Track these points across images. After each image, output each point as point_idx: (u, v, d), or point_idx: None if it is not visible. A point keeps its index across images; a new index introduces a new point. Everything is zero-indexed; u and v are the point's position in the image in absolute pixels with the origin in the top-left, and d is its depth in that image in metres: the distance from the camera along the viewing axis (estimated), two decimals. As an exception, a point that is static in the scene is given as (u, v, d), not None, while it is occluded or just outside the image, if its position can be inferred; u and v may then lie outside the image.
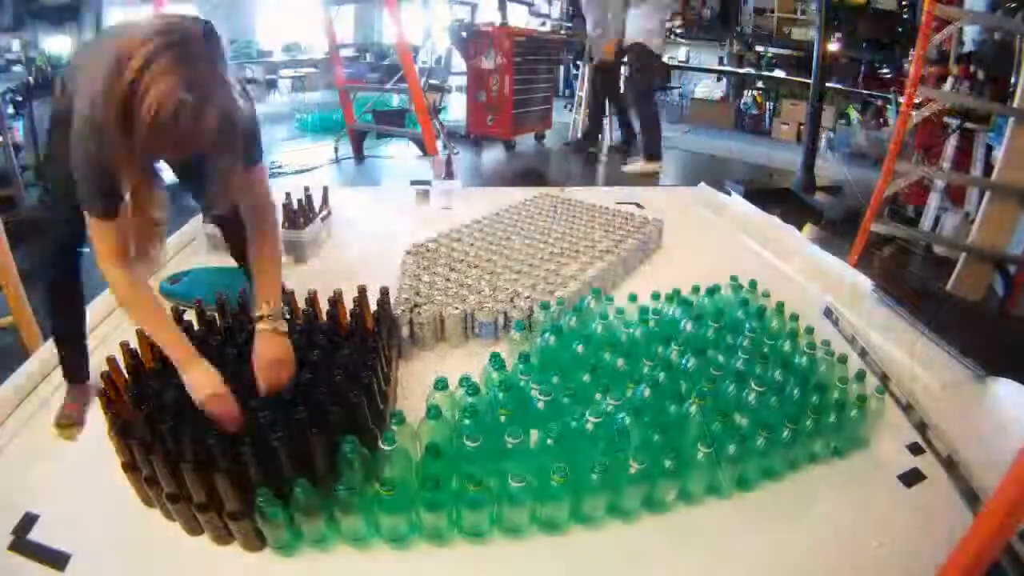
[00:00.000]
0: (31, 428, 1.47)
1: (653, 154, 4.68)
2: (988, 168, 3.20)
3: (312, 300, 1.62)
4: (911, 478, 1.39)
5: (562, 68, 8.89)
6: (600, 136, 5.48)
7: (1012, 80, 3.01)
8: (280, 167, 4.46)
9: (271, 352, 1.27)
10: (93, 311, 1.90)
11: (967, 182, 3.36)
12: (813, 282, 2.35)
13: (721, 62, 8.33)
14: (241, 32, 8.54)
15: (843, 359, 1.53)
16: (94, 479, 1.28)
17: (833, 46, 4.94)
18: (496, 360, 1.46)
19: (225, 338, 1.47)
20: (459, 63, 5.69)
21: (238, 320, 1.57)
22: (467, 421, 1.25)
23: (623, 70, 5.09)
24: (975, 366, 1.78)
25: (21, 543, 1.15)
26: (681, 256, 2.59)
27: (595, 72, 5.13)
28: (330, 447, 1.14)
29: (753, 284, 1.95)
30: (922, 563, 1.06)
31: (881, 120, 6.28)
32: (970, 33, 3.77)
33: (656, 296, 1.84)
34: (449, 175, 3.33)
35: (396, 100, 5.88)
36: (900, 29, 6.02)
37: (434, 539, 1.17)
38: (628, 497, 1.21)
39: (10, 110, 4.52)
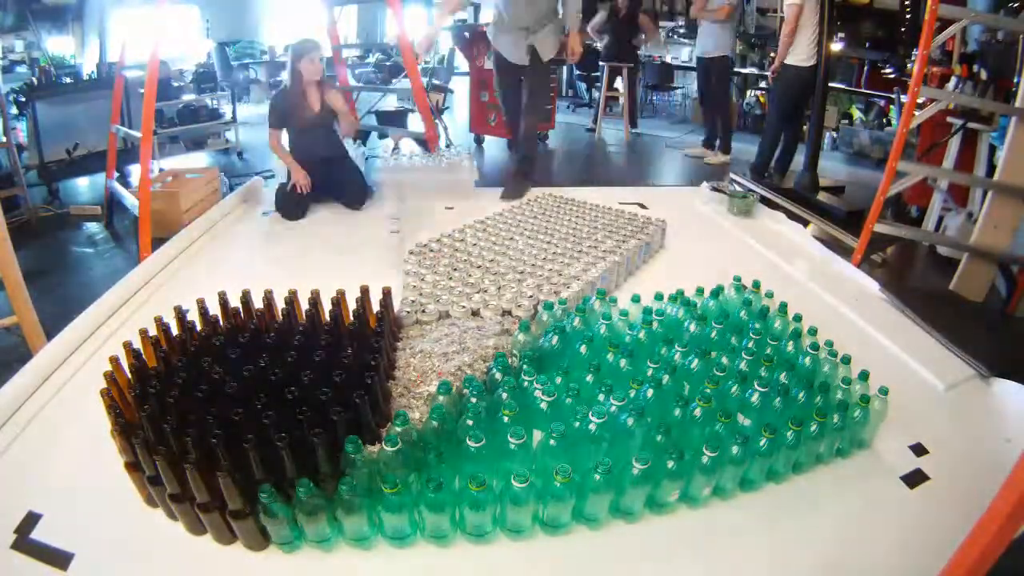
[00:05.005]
0: (34, 427, 1.47)
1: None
2: (991, 168, 3.20)
3: (315, 300, 1.62)
4: (914, 479, 1.38)
5: (564, 69, 8.89)
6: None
7: (1015, 80, 3.00)
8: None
9: None
10: (96, 310, 1.90)
11: (970, 182, 3.36)
12: (816, 282, 2.34)
13: (724, 62, 8.30)
14: (244, 32, 8.56)
15: (846, 359, 1.52)
16: (97, 479, 1.28)
17: (836, 46, 4.91)
18: (500, 360, 1.47)
19: (228, 338, 1.47)
20: (462, 63, 5.69)
21: (240, 320, 1.57)
22: (470, 421, 1.25)
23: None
24: (979, 366, 1.77)
25: (23, 542, 1.15)
26: (684, 257, 2.59)
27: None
28: (333, 447, 1.14)
29: (756, 284, 1.95)
30: (924, 565, 1.05)
31: (884, 120, 6.27)
32: (973, 33, 3.76)
33: (659, 297, 1.83)
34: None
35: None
36: (903, 29, 6.01)
37: (436, 539, 1.17)
38: (631, 498, 1.21)
39: (13, 111, 4.53)
